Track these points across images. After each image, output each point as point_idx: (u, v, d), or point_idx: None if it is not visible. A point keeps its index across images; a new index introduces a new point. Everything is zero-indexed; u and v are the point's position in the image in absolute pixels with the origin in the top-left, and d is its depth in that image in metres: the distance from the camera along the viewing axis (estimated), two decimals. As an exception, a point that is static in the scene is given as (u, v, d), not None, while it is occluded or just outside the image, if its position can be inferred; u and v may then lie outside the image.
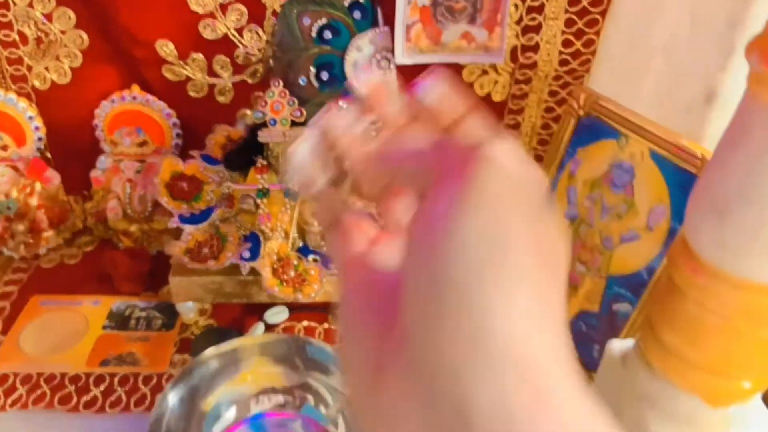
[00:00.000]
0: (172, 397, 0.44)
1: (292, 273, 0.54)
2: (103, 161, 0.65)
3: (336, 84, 0.62)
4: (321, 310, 0.61)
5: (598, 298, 0.54)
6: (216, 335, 0.57)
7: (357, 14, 0.60)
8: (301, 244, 0.57)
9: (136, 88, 0.64)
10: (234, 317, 0.60)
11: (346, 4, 0.59)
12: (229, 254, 0.54)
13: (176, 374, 0.45)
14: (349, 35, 0.60)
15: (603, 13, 0.61)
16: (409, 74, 0.62)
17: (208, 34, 0.61)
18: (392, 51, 0.61)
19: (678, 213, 0.48)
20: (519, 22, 0.62)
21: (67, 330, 0.58)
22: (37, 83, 0.64)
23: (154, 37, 0.61)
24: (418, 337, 0.19)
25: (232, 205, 0.57)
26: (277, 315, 0.59)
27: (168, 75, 0.63)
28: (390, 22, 0.60)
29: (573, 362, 0.19)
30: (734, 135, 0.36)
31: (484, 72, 0.65)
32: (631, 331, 0.51)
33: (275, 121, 0.54)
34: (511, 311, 0.18)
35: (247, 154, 0.56)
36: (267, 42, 0.62)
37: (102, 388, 0.52)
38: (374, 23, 0.60)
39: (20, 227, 0.63)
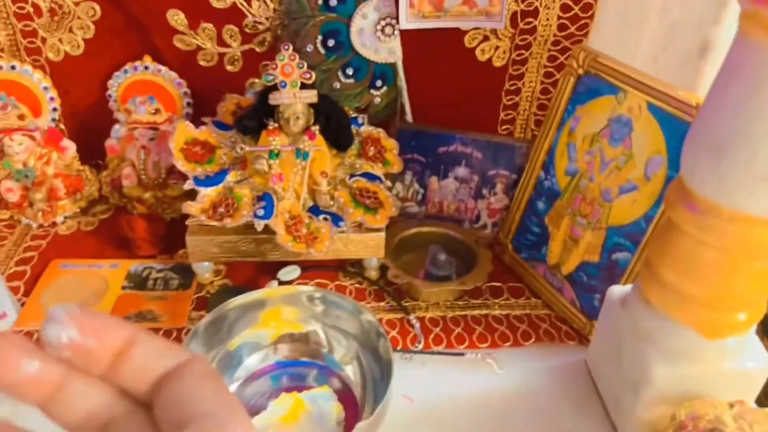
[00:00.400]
0: (203, 332, 0.46)
1: (304, 231, 0.56)
2: (118, 130, 0.67)
3: (342, 50, 0.64)
4: (332, 269, 0.63)
5: (598, 249, 0.56)
6: (231, 294, 0.58)
7: (362, -19, 0.62)
8: (311, 203, 0.60)
9: (147, 59, 0.66)
10: (248, 276, 0.62)
11: (351, -29, 0.61)
12: (244, 212, 0.56)
13: (207, 315, 0.47)
14: (354, 3, 0.62)
15: (600, -23, 0.63)
16: (413, 39, 0.64)
17: (217, 3, 0.63)
18: (396, 17, 0.63)
19: (674, 162, 0.50)
20: (519, -13, 0.64)
21: (87, 290, 0.60)
22: (50, 55, 0.66)
23: (165, 7, 0.63)
24: None
25: (245, 167, 0.59)
26: (290, 273, 0.61)
27: (179, 45, 0.65)
28: (394, -12, 0.62)
29: None
30: (726, 75, 0.38)
31: (485, 38, 0.67)
32: (630, 278, 0.54)
33: (285, 84, 0.56)
34: None
35: (258, 117, 0.58)
36: (274, 11, 0.64)
37: (124, 342, 0.54)
38: (378, -10, 0.62)
39: (38, 195, 0.65)
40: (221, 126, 0.62)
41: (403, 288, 0.61)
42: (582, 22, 0.66)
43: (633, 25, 0.61)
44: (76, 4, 0.63)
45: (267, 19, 0.64)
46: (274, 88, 0.56)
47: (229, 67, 0.67)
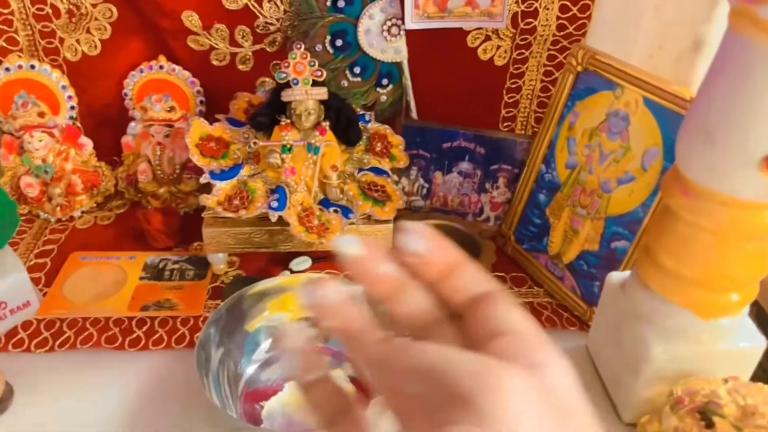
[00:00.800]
0: (225, 311, 0.49)
1: (316, 222, 0.59)
2: (134, 127, 0.69)
3: (349, 50, 0.67)
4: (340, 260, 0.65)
5: (597, 238, 0.59)
6: (245, 283, 0.61)
7: (369, -17, 0.64)
8: (322, 197, 0.62)
9: (162, 59, 0.68)
10: (260, 267, 0.64)
11: (359, -26, 0.64)
12: (258, 204, 0.58)
13: (228, 299, 0.49)
14: (361, 4, 0.65)
15: (597, -22, 0.65)
16: (418, 39, 0.67)
17: (230, 5, 0.65)
18: (402, 18, 0.65)
19: (670, 153, 0.53)
20: (519, -11, 0.67)
21: (107, 281, 0.62)
22: (68, 55, 0.68)
23: (180, 8, 0.65)
24: None
25: (258, 161, 0.62)
26: (302, 264, 0.63)
27: (192, 45, 0.68)
28: (400, -10, 0.64)
29: None
30: (717, 68, 0.40)
31: (487, 37, 0.70)
32: (629, 266, 0.56)
33: (298, 81, 0.58)
34: None
35: (271, 113, 0.60)
36: (285, 12, 0.66)
37: (144, 329, 0.57)
38: (385, -8, 0.65)
39: (57, 190, 0.67)
40: (234, 123, 0.65)
41: (410, 277, 0.63)
42: (580, 22, 0.68)
43: (629, 24, 0.63)
44: (94, 5, 0.66)
45: (278, 20, 0.67)
46: (287, 85, 0.59)
47: (240, 67, 0.70)
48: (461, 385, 0.20)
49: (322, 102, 0.60)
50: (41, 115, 0.67)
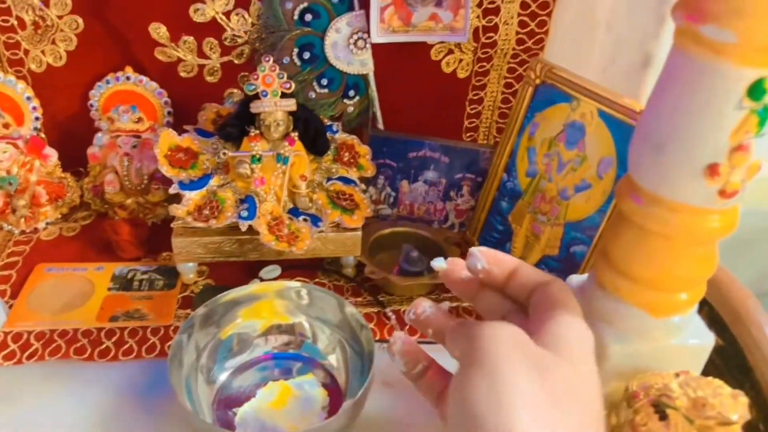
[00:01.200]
0: (198, 319, 0.50)
1: (286, 231, 0.60)
2: (100, 138, 0.69)
3: (317, 62, 0.68)
4: (310, 269, 0.67)
5: (557, 243, 0.62)
6: (215, 292, 0.61)
7: (335, -2, 0.66)
8: (291, 206, 0.63)
9: (129, 69, 0.69)
10: (230, 276, 0.65)
11: (326, -12, 0.65)
12: (228, 214, 0.59)
13: (201, 307, 0.50)
14: (328, 18, 0.66)
15: (554, -4, 0.69)
16: (383, 52, 0.68)
17: (198, 17, 0.66)
18: (368, 32, 0.67)
19: (623, 162, 0.56)
20: (480, 5, 0.69)
21: (74, 292, 0.62)
22: (33, 66, 0.68)
23: (147, 20, 0.66)
24: None
25: (227, 171, 0.62)
26: (271, 272, 0.64)
27: (160, 57, 0.68)
28: (365, 5, 0.66)
29: None
30: (664, 82, 0.43)
31: (450, 51, 0.72)
32: (587, 268, 0.59)
33: (267, 93, 0.59)
34: None
35: (240, 124, 0.61)
36: (252, 25, 0.68)
37: (114, 339, 0.57)
38: (351, 7, 0.66)
39: (21, 202, 0.67)
40: (202, 133, 0.66)
41: (378, 283, 0.65)
42: (538, 36, 0.72)
43: (583, 40, 0.67)
44: (60, 17, 0.66)
45: (245, 32, 0.68)
46: (256, 97, 0.60)
47: (208, 78, 0.70)
48: (473, 336, 0.32)
49: (290, 113, 0.61)
50: (6, 126, 0.66)
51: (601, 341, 0.50)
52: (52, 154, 0.69)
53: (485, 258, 0.39)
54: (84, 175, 0.72)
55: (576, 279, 0.56)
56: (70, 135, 0.72)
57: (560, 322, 0.36)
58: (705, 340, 0.51)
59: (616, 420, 0.48)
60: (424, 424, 0.50)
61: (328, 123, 0.69)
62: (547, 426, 0.28)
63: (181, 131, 0.64)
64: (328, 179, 0.65)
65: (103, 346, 0.56)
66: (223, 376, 0.52)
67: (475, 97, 0.76)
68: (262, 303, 0.53)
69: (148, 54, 0.68)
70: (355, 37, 0.67)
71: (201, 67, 0.70)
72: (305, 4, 0.65)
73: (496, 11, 0.70)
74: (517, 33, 0.71)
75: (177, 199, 0.61)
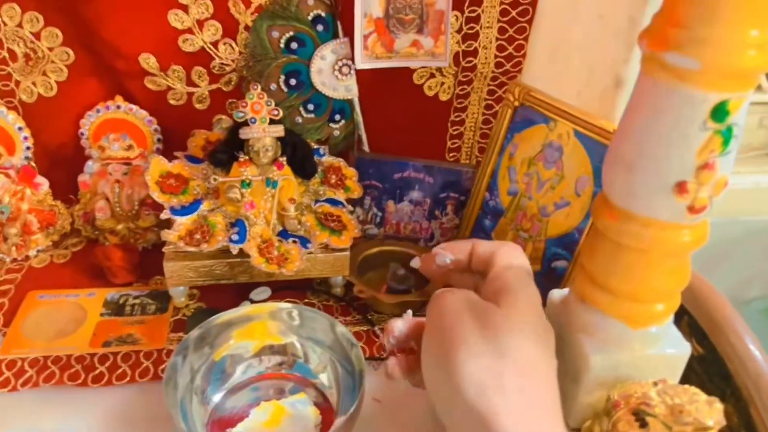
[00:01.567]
0: (192, 341, 0.51)
1: (276, 253, 0.61)
2: (91, 166, 0.70)
3: (303, 88, 0.70)
4: (299, 289, 0.68)
5: (539, 259, 0.64)
6: (207, 315, 0.62)
7: (320, 27, 0.68)
8: (280, 228, 0.65)
9: (119, 98, 0.70)
10: (221, 299, 0.65)
11: (310, 18, 0.68)
12: (219, 238, 0.60)
13: (194, 329, 0.51)
14: (313, 46, 0.69)
15: (529, 22, 0.71)
16: (367, 77, 0.71)
17: (186, 47, 0.68)
18: (352, 58, 0.69)
19: (599, 180, 0.58)
20: (459, 31, 0.72)
21: (66, 318, 0.62)
22: (24, 97, 0.69)
23: (137, 51, 0.67)
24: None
25: (218, 196, 0.64)
26: (261, 294, 0.66)
27: (150, 85, 0.70)
28: (349, 33, 0.68)
29: None
30: (634, 105, 0.46)
31: (432, 75, 0.75)
32: (568, 283, 0.61)
33: (255, 120, 0.61)
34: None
35: (229, 150, 0.63)
36: (240, 53, 0.70)
37: (107, 365, 0.57)
38: (335, 35, 0.69)
39: (13, 230, 0.67)
40: (192, 159, 0.67)
41: (367, 302, 0.66)
42: (516, 60, 0.74)
43: (559, 63, 0.69)
44: (51, 49, 0.67)
45: (233, 61, 0.70)
46: (245, 123, 0.62)
47: (197, 105, 0.72)
48: (432, 305, 0.43)
49: (278, 138, 0.63)
50: (-3, 156, 0.67)
51: (582, 352, 0.52)
52: (43, 182, 0.70)
53: (449, 251, 0.49)
54: (74, 202, 0.73)
55: (558, 293, 0.58)
56: (60, 163, 0.73)
57: (499, 278, 0.45)
58: (682, 350, 0.53)
59: (599, 429, 0.50)
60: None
61: (315, 147, 0.71)
62: (482, 362, 0.37)
63: (171, 158, 0.66)
64: (316, 201, 0.67)
65: (97, 371, 0.57)
66: (216, 397, 0.53)
67: (457, 119, 0.79)
68: (255, 324, 0.54)
69: (138, 83, 0.69)
70: (340, 63, 0.69)
71: (190, 94, 0.71)
72: (291, 33, 0.68)
73: (475, 36, 0.73)
74: (496, 56, 0.74)
75: (168, 224, 0.62)
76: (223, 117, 0.72)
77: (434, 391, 0.41)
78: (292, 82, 0.69)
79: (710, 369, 0.61)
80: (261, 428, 0.51)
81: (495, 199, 0.68)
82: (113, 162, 0.70)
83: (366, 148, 0.75)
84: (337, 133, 0.74)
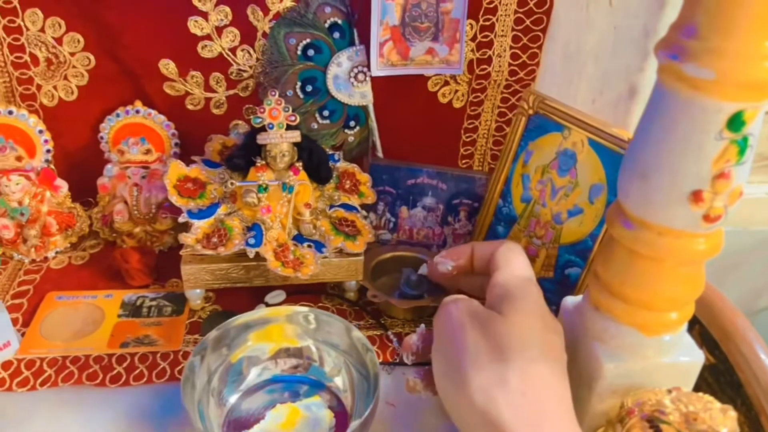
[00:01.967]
0: (210, 342, 0.52)
1: (291, 257, 0.62)
2: (110, 169, 0.72)
3: (319, 95, 0.71)
4: (313, 293, 0.69)
5: (552, 265, 0.64)
6: (222, 318, 0.63)
7: (336, 34, 0.69)
8: (295, 232, 0.65)
9: (138, 103, 0.71)
10: (236, 302, 0.66)
11: (327, 25, 0.69)
12: (236, 242, 0.61)
13: (213, 330, 0.52)
14: (330, 53, 0.70)
15: (544, 30, 0.72)
16: (382, 84, 0.72)
17: (205, 53, 0.69)
18: (368, 66, 0.70)
19: (613, 188, 0.59)
20: (474, 39, 0.73)
21: (84, 319, 0.63)
22: (45, 101, 0.71)
23: (157, 57, 0.68)
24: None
25: (234, 200, 0.65)
26: (276, 297, 0.66)
27: (168, 91, 0.71)
28: (365, 40, 0.69)
29: None
30: (649, 114, 0.46)
31: (446, 82, 0.76)
32: (581, 290, 0.61)
33: (273, 126, 0.62)
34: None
35: (246, 155, 0.64)
36: (257, 60, 0.71)
37: (125, 365, 0.58)
38: (351, 42, 0.70)
39: (32, 232, 0.69)
40: (209, 164, 0.68)
41: (380, 307, 0.67)
42: (529, 68, 0.75)
43: (573, 72, 0.70)
44: (72, 54, 0.69)
45: (250, 67, 0.71)
46: (262, 129, 0.62)
47: (215, 111, 0.73)
48: (437, 314, 0.45)
49: (295, 144, 0.64)
50: (19, 159, 0.69)
51: (596, 359, 0.52)
52: (62, 185, 0.71)
53: (449, 258, 0.52)
54: (93, 205, 0.74)
55: (571, 300, 0.58)
56: (80, 166, 0.74)
57: (499, 284, 0.45)
58: (695, 358, 0.53)
59: (612, 435, 0.50)
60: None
61: (330, 152, 0.71)
62: (487, 370, 0.39)
63: (188, 162, 0.67)
64: (331, 206, 0.68)
65: (115, 371, 0.58)
66: (232, 399, 0.53)
67: (470, 126, 0.79)
68: (273, 327, 0.55)
69: (157, 88, 0.71)
70: (356, 70, 0.70)
71: (208, 100, 0.72)
72: (308, 40, 0.69)
73: (490, 44, 0.73)
74: (510, 65, 0.75)
75: (184, 227, 0.63)
76: (240, 122, 0.73)
77: (446, 398, 0.42)
78: (309, 88, 0.70)
79: (721, 378, 0.61)
80: (277, 430, 0.51)
81: (508, 206, 0.69)
82: (132, 165, 0.71)
83: (380, 154, 0.76)
84: (351, 139, 0.74)
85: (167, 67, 0.69)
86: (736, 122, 0.39)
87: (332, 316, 0.56)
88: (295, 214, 0.65)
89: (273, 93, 0.62)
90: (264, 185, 0.63)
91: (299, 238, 0.65)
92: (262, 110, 0.62)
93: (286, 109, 0.62)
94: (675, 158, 0.44)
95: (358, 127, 0.74)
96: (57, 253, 0.72)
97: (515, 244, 0.50)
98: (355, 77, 0.70)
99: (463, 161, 0.82)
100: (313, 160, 0.66)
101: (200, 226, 0.62)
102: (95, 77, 0.70)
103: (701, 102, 0.40)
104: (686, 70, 0.40)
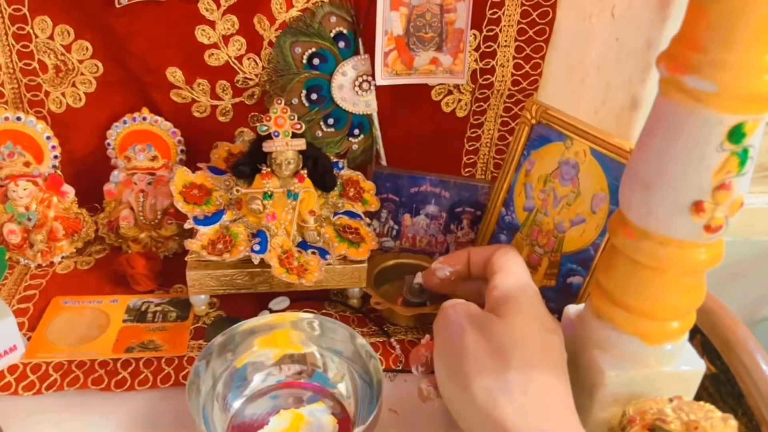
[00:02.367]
0: (215, 347, 0.52)
1: (296, 263, 0.63)
2: (117, 175, 0.72)
3: (324, 103, 0.72)
4: (317, 300, 0.69)
5: (554, 274, 0.65)
6: (226, 323, 0.64)
7: (342, 44, 0.70)
8: (300, 239, 0.66)
9: (145, 110, 0.72)
10: (240, 308, 0.67)
11: (333, 35, 0.69)
12: (241, 248, 0.61)
13: (218, 336, 0.52)
14: (335, 62, 0.70)
15: (546, 41, 0.73)
16: (386, 93, 0.72)
17: (212, 61, 0.70)
18: (372, 75, 0.71)
19: (615, 198, 0.59)
20: (477, 49, 0.74)
21: (90, 324, 0.64)
22: (53, 107, 0.71)
23: (164, 65, 0.69)
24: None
25: (240, 207, 0.65)
26: (280, 303, 0.67)
27: (175, 98, 0.72)
28: (370, 50, 0.70)
29: None
30: (651, 126, 0.47)
31: (450, 92, 0.76)
32: (583, 298, 0.62)
33: (278, 134, 0.63)
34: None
35: (252, 162, 0.65)
36: (263, 68, 0.71)
37: (129, 370, 0.59)
38: (356, 51, 0.71)
39: (39, 237, 0.69)
40: (215, 171, 0.69)
41: (383, 314, 0.67)
42: (532, 78, 0.76)
43: (575, 82, 0.71)
44: (81, 61, 0.69)
45: (256, 75, 0.72)
46: (268, 137, 0.63)
47: (220, 118, 0.74)
48: (437, 317, 0.47)
49: (300, 152, 0.65)
50: (26, 164, 0.69)
51: (598, 368, 0.52)
52: (69, 191, 0.72)
53: (447, 264, 0.54)
54: (99, 210, 0.75)
55: (573, 308, 0.59)
56: (86, 172, 0.75)
57: (497, 287, 0.47)
58: (696, 367, 0.53)
59: (614, 444, 0.50)
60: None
61: (334, 160, 0.72)
62: (487, 371, 0.40)
63: (194, 169, 0.67)
64: (335, 214, 0.68)
65: (120, 376, 0.58)
66: (237, 404, 0.54)
67: (473, 135, 0.80)
68: (278, 333, 0.55)
69: (164, 96, 0.71)
70: (360, 79, 0.71)
71: (214, 107, 0.73)
72: (313, 49, 0.69)
73: (493, 54, 0.74)
74: (513, 75, 0.76)
75: (189, 233, 0.64)
76: (246, 130, 0.74)
77: (450, 401, 0.43)
78: (314, 96, 0.71)
79: (722, 388, 0.61)
80: (279, 436, 0.52)
81: (511, 215, 0.69)
82: (138, 172, 0.71)
83: (384, 162, 0.76)
84: (355, 147, 0.75)
85: (174, 74, 0.70)
86: (736, 134, 0.40)
87: (336, 322, 0.56)
88: (299, 221, 0.65)
89: (279, 101, 0.63)
90: (269, 192, 0.63)
91: (303, 245, 0.65)
92: (268, 118, 0.62)
93: (292, 118, 0.63)
94: (676, 169, 0.45)
95: (362, 136, 0.75)
96: (63, 258, 0.72)
97: (511, 247, 0.51)
98: (360, 86, 0.71)
99: (466, 170, 0.83)
100: (318, 168, 0.66)
101: (205, 232, 0.63)
102: (103, 84, 0.71)
103: (702, 114, 0.40)
104: (687, 83, 0.41)
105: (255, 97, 0.73)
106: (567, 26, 0.71)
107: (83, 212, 0.73)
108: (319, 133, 0.73)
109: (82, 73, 0.70)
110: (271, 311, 0.65)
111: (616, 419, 0.52)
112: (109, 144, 0.73)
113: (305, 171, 0.65)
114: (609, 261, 0.52)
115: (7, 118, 0.68)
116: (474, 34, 0.72)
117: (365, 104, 0.72)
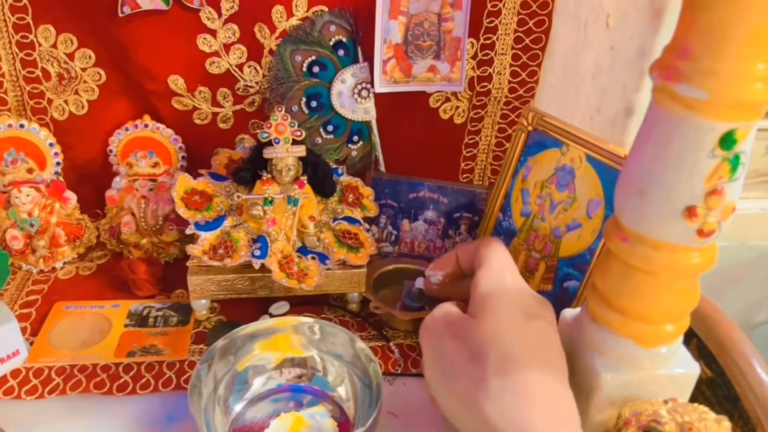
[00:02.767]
0: (217, 351, 0.53)
1: (296, 268, 0.63)
2: (119, 182, 0.73)
3: (323, 110, 0.73)
4: (316, 304, 0.70)
5: (551, 278, 0.65)
6: (227, 328, 0.64)
7: (341, 52, 0.71)
8: (300, 245, 0.67)
9: (147, 118, 0.73)
10: (240, 312, 0.67)
11: (332, 43, 0.70)
12: (241, 253, 0.62)
13: (220, 339, 0.53)
14: (334, 70, 0.71)
15: (543, 49, 0.74)
16: (385, 101, 0.73)
17: (213, 69, 0.71)
18: (371, 82, 0.72)
19: (610, 203, 0.60)
20: (475, 57, 0.75)
21: (92, 329, 0.64)
22: (56, 114, 0.72)
23: (166, 73, 0.70)
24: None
25: (240, 213, 0.66)
26: (280, 308, 0.67)
27: (176, 105, 0.73)
28: (369, 58, 0.71)
29: None
30: (645, 133, 0.48)
31: (447, 99, 0.77)
32: (580, 303, 0.62)
33: (279, 140, 0.64)
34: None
35: (253, 169, 0.65)
36: (264, 76, 0.72)
37: (131, 374, 0.59)
38: (355, 59, 0.72)
39: (41, 242, 0.70)
40: (216, 177, 0.69)
41: (382, 318, 0.68)
42: (529, 86, 0.77)
43: (571, 89, 0.72)
44: (84, 69, 0.70)
45: (257, 83, 0.73)
46: (268, 143, 0.64)
47: (221, 125, 0.75)
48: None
49: (300, 158, 0.66)
50: (29, 171, 0.70)
51: (594, 370, 0.53)
52: (71, 197, 0.72)
53: (437, 269, 0.54)
54: (101, 216, 0.75)
55: (569, 312, 0.60)
56: (88, 178, 0.75)
57: (477, 284, 0.46)
58: (691, 369, 0.54)
59: (610, 445, 0.51)
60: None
61: (334, 166, 0.73)
62: (465, 372, 0.41)
63: (195, 175, 0.68)
64: (334, 219, 0.69)
65: (122, 380, 0.59)
66: (238, 407, 0.55)
67: (471, 142, 0.81)
68: (279, 336, 0.56)
69: (166, 103, 0.72)
70: (359, 87, 0.72)
71: (215, 114, 0.74)
72: (313, 57, 0.70)
73: (490, 62, 0.75)
74: (510, 82, 0.77)
75: (190, 239, 0.65)
76: (246, 136, 0.74)
77: (443, 407, 0.44)
78: (313, 104, 0.72)
79: (719, 392, 0.62)
80: (280, 439, 0.52)
81: (508, 220, 0.70)
82: (140, 178, 0.72)
83: (382, 168, 0.77)
84: (354, 153, 0.76)
85: (176, 82, 0.71)
86: (728, 141, 0.41)
87: (336, 327, 0.57)
88: (299, 227, 0.66)
89: (279, 108, 0.64)
90: (270, 198, 0.64)
91: (303, 250, 0.66)
92: (268, 125, 0.63)
93: (292, 125, 0.64)
94: (669, 175, 0.45)
95: (361, 142, 0.76)
96: (65, 263, 0.73)
97: (494, 239, 0.52)
98: (359, 93, 0.72)
99: (464, 176, 0.84)
100: (318, 174, 0.67)
101: (207, 237, 0.64)
102: (105, 92, 0.72)
103: (694, 121, 0.41)
104: (680, 91, 0.42)
105: (255, 104, 0.74)
106: (563, 35, 0.72)
107: (85, 218, 0.74)
108: (319, 140, 0.74)
109: (84, 81, 0.71)
110: (271, 316, 0.66)
111: (612, 421, 0.53)
112: (111, 151, 0.74)
113: (305, 177, 0.66)
114: (604, 265, 0.53)
115: (10, 126, 0.69)
116: (471, 43, 0.73)
117: (364, 111, 0.73)
